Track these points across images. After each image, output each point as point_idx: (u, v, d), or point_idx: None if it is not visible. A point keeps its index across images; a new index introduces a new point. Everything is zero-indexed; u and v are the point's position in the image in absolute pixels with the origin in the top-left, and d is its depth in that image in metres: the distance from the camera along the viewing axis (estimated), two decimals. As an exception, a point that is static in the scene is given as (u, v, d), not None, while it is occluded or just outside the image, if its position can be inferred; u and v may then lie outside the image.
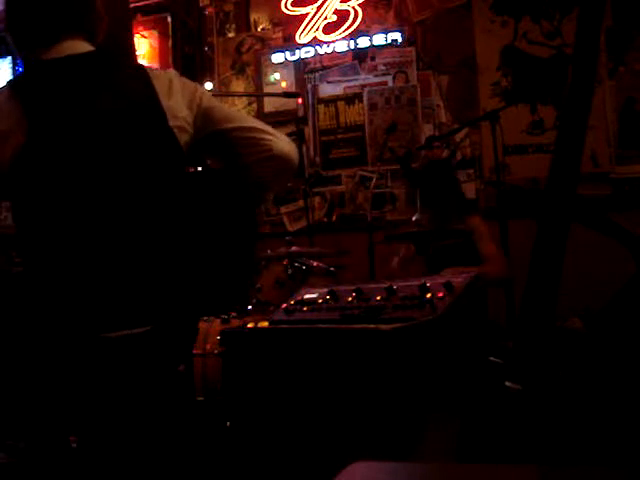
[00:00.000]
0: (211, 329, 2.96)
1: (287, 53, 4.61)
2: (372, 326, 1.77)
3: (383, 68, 4.44)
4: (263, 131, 1.54)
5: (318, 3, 4.50)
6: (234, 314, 2.98)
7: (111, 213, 1.40)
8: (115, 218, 1.40)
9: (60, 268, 1.38)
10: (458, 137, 4.21)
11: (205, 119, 1.53)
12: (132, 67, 1.58)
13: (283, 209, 4.58)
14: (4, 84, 1.52)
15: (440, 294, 1.82)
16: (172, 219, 1.45)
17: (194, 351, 2.79)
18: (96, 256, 1.38)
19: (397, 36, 4.37)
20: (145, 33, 4.84)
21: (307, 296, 2.11)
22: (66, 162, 1.40)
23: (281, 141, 1.55)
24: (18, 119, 1.39)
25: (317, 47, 4.53)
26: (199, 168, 1.69)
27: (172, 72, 1.56)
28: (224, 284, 1.55)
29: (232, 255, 1.55)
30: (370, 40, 4.41)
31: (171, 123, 1.47)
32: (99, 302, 1.37)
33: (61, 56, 1.48)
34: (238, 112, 1.63)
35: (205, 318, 2.93)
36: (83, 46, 1.51)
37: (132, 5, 4.46)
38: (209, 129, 1.54)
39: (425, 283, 1.89)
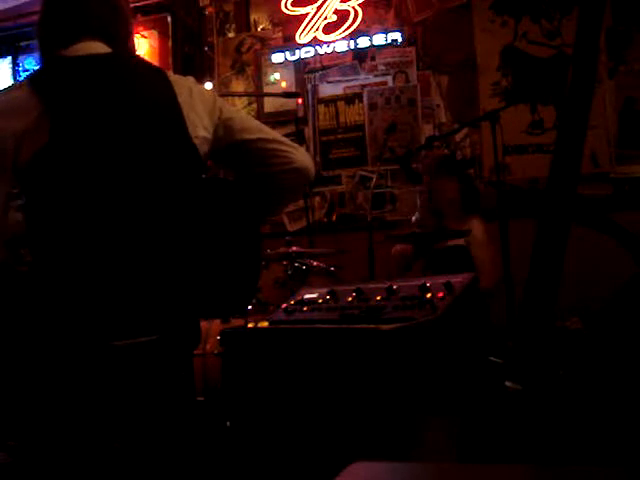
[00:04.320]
0: (211, 329, 2.97)
1: (287, 53, 4.60)
2: (372, 326, 1.77)
3: (383, 68, 4.44)
4: (284, 143, 1.59)
5: (318, 3, 4.50)
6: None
7: (126, 216, 1.40)
8: (130, 223, 1.40)
9: (71, 273, 1.38)
10: (458, 137, 4.21)
11: (225, 129, 1.55)
12: (153, 70, 1.57)
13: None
14: (22, 79, 1.52)
15: (440, 294, 1.82)
16: (184, 228, 1.45)
17: (194, 351, 2.79)
18: (107, 263, 1.38)
19: (397, 36, 4.37)
20: (145, 33, 4.84)
21: (307, 296, 2.11)
22: (84, 164, 1.39)
23: (301, 154, 1.60)
24: (39, 117, 1.37)
25: (317, 47, 4.53)
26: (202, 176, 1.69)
27: (191, 79, 1.57)
28: (230, 293, 1.55)
29: (238, 265, 1.56)
30: (370, 40, 4.41)
31: (189, 127, 1.47)
32: (108, 310, 1.36)
33: (79, 55, 1.48)
34: (256, 122, 1.65)
35: (205, 318, 2.93)
36: (101, 47, 1.51)
37: (132, 5, 4.46)
38: (229, 139, 1.56)
39: (425, 283, 1.89)
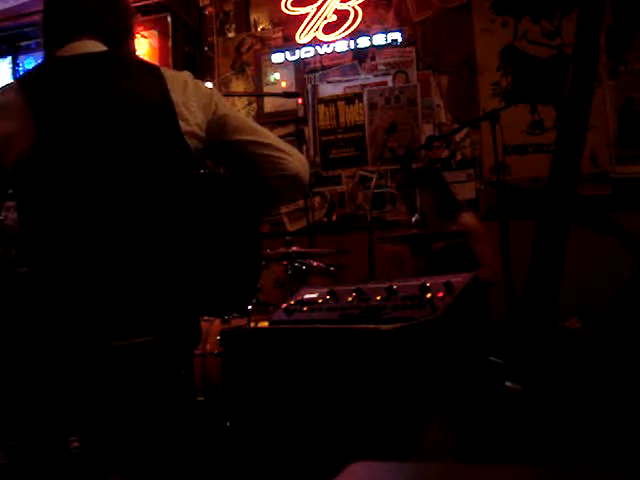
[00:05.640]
0: (211, 329, 2.96)
1: (287, 53, 4.61)
2: (372, 326, 1.77)
3: (383, 68, 4.44)
4: (278, 149, 1.54)
5: (318, 3, 4.50)
6: (234, 314, 2.98)
7: (120, 216, 1.39)
8: (124, 222, 1.39)
9: (66, 274, 1.37)
10: (458, 137, 4.21)
11: (220, 126, 1.53)
12: (147, 68, 1.56)
13: (283, 209, 4.57)
14: (14, 80, 1.52)
15: (440, 294, 1.82)
16: (180, 226, 1.44)
17: (194, 351, 2.79)
18: (103, 263, 1.37)
19: (397, 36, 4.37)
20: (145, 33, 4.84)
21: (307, 296, 2.11)
22: (74, 164, 1.38)
23: (295, 160, 1.55)
24: (26, 118, 1.37)
25: (317, 47, 4.53)
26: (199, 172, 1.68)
27: (187, 74, 1.55)
28: (230, 290, 1.55)
29: (237, 264, 1.55)
30: (370, 40, 4.41)
31: (182, 126, 1.46)
32: (106, 310, 1.36)
33: (71, 54, 1.48)
34: (252, 123, 1.61)
35: (205, 318, 2.93)
36: (96, 46, 1.50)
37: (132, 5, 4.45)
38: (223, 137, 1.53)
39: (425, 283, 1.89)
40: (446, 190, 3.42)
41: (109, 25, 1.54)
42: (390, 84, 4.41)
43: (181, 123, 1.46)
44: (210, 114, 1.52)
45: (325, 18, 4.50)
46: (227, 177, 1.63)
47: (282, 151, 1.55)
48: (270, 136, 1.58)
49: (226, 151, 1.56)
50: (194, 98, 1.50)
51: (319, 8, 4.50)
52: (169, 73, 1.52)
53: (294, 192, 1.62)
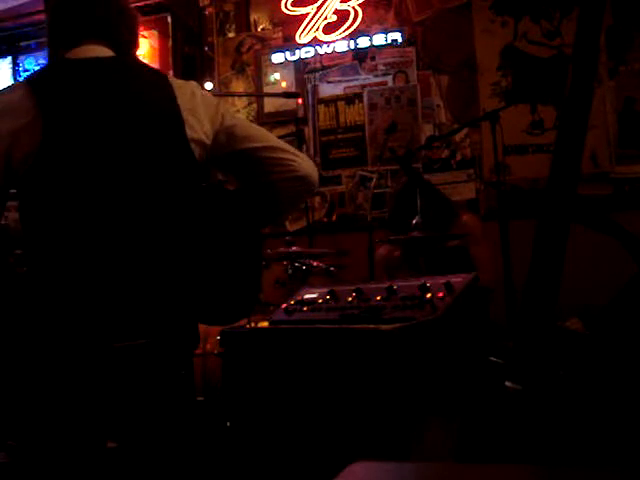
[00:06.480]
0: (211, 329, 2.96)
1: (287, 53, 4.60)
2: (372, 326, 1.77)
3: (383, 68, 4.44)
4: (288, 151, 1.56)
5: (318, 3, 4.50)
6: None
7: (124, 220, 1.39)
8: (128, 225, 1.39)
9: (69, 276, 1.37)
10: (458, 137, 4.20)
11: (228, 137, 1.53)
12: (155, 75, 1.57)
13: (283, 209, 4.56)
14: (22, 79, 1.52)
15: (440, 294, 1.82)
16: (182, 231, 1.44)
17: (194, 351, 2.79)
18: (105, 265, 1.37)
19: (397, 36, 4.37)
20: (145, 33, 4.83)
21: (307, 296, 2.11)
22: (80, 166, 1.39)
23: (305, 162, 1.57)
24: (34, 117, 1.37)
25: (317, 47, 4.52)
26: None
27: (194, 84, 1.56)
28: (230, 298, 1.55)
29: (239, 270, 1.56)
30: (370, 40, 4.41)
31: (189, 135, 1.46)
32: (108, 311, 1.36)
33: (81, 57, 1.48)
34: (259, 129, 1.62)
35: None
36: (103, 51, 1.51)
37: (132, 5, 4.45)
38: (232, 147, 1.54)
39: (425, 283, 1.89)
40: (435, 192, 3.38)
41: (118, 33, 1.55)
42: (390, 84, 4.41)
43: (187, 130, 1.46)
44: (217, 125, 1.52)
45: (325, 18, 4.50)
46: (229, 189, 1.64)
47: (292, 153, 1.57)
48: (277, 140, 1.60)
49: (236, 160, 1.57)
50: (202, 108, 1.51)
51: (319, 8, 4.50)
52: (177, 82, 1.54)
53: (305, 193, 1.63)
